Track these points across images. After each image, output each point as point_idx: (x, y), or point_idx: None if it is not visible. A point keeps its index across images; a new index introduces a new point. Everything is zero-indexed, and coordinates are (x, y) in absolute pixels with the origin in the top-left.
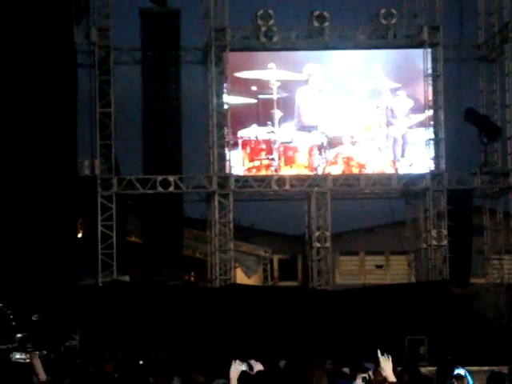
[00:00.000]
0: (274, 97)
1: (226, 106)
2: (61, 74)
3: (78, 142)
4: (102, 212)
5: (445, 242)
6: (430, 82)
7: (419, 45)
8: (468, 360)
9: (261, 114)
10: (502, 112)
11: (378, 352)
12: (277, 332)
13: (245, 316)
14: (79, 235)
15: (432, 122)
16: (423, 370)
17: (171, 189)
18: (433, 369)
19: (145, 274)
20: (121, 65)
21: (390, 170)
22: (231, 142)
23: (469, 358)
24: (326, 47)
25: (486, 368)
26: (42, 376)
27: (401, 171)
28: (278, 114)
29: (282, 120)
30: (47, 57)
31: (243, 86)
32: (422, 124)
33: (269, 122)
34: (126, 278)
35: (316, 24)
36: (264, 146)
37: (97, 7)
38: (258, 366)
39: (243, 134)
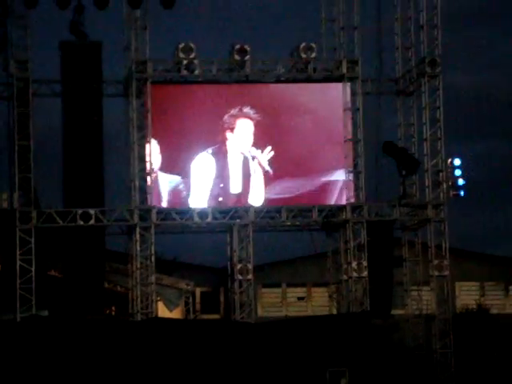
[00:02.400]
0: None
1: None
2: None
3: None
4: (21, 246)
5: (365, 274)
6: (350, 114)
7: (338, 78)
8: None
9: None
10: (420, 145)
11: None
12: (199, 366)
13: (166, 350)
14: None
15: (351, 154)
16: None
17: (92, 222)
18: None
19: (64, 309)
20: (40, 97)
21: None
22: (153, 173)
23: None
24: (246, 80)
25: None
26: None
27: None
28: None
29: None
30: None
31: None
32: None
33: None
34: (45, 313)
35: (237, 57)
36: None
37: (15, 39)
38: None
39: None
